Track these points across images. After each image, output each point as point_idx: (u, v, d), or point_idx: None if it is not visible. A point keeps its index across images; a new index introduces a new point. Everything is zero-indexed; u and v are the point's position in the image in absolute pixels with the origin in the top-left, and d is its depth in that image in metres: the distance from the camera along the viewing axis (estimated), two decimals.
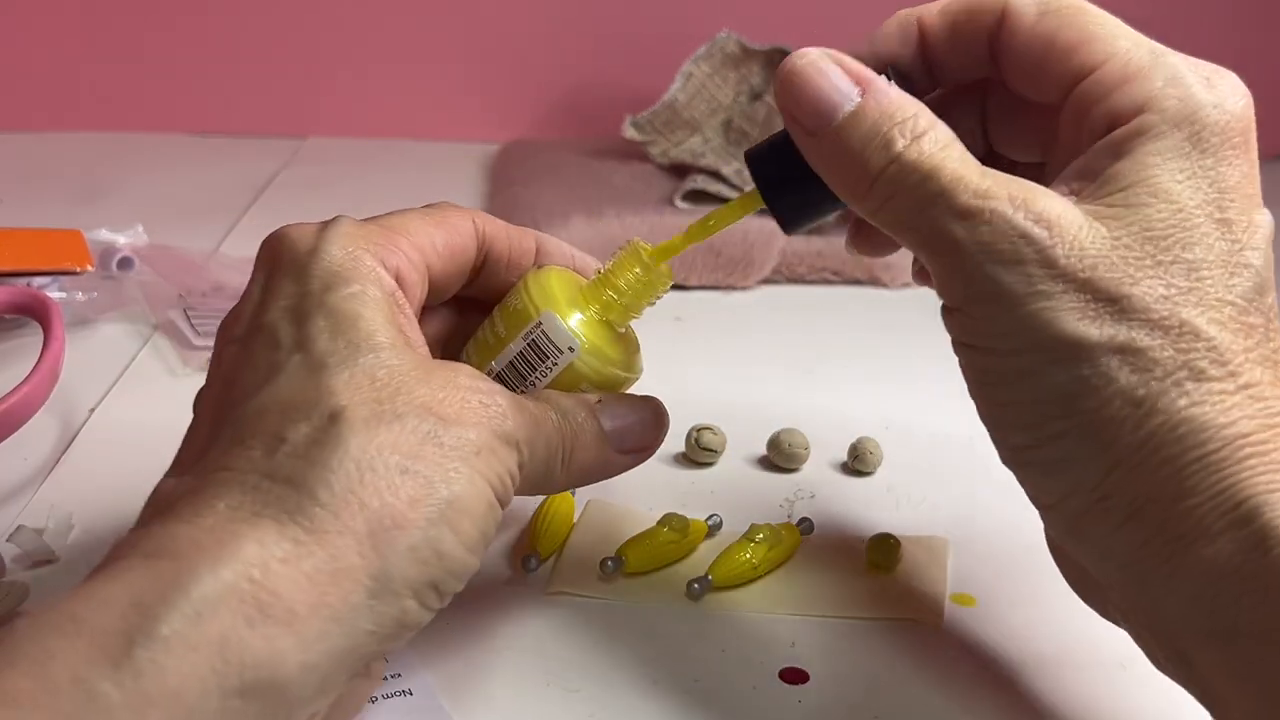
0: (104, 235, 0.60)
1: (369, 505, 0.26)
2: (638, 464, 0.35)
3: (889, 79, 0.31)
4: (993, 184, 0.28)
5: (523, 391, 0.33)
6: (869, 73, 0.30)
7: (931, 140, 0.29)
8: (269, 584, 0.24)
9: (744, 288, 0.68)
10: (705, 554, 0.39)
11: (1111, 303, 0.28)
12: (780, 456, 0.46)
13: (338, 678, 0.26)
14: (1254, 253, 0.29)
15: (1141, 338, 0.27)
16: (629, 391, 0.36)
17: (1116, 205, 0.29)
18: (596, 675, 0.33)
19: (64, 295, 0.56)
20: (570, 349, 0.33)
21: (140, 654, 0.23)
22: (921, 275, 0.38)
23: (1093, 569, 0.29)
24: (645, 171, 0.84)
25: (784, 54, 0.83)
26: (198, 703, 0.23)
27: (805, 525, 0.40)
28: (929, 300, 0.31)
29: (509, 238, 0.35)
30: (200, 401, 0.31)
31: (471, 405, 0.29)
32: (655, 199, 0.76)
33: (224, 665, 0.23)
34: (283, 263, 0.31)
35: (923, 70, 0.33)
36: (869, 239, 0.36)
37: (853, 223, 0.36)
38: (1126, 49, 0.30)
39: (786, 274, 0.69)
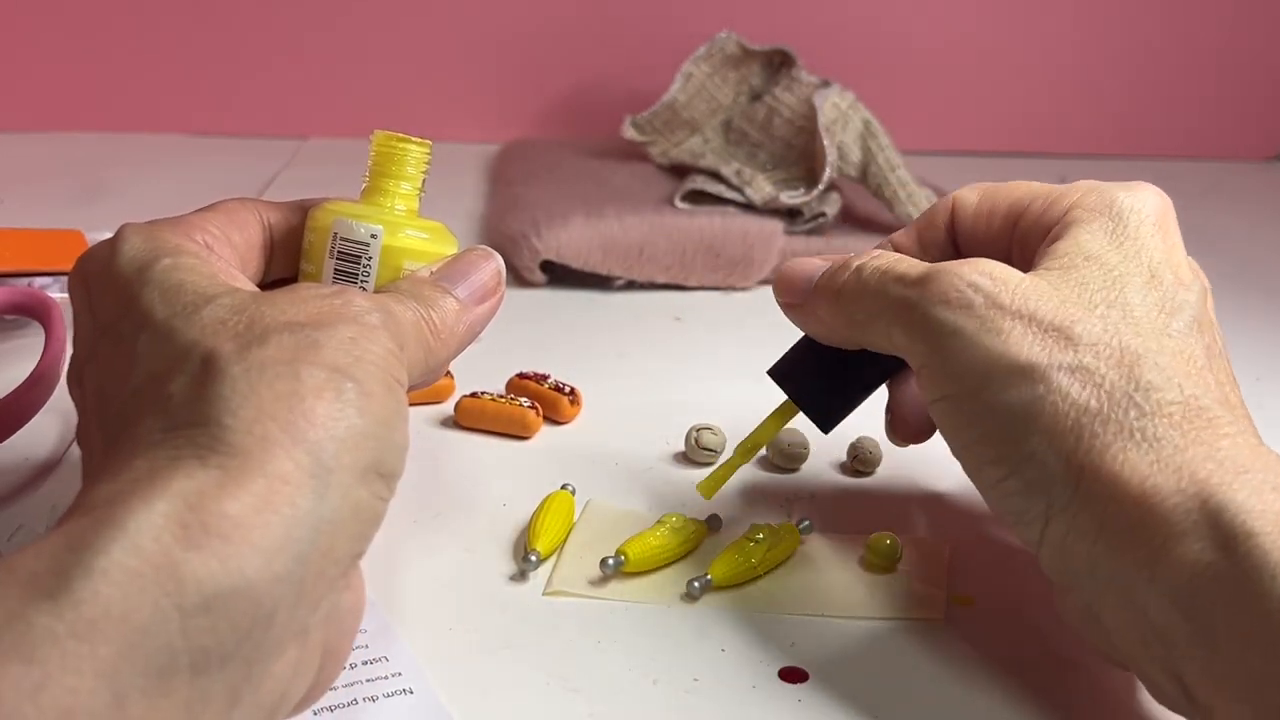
0: (104, 235, 0.60)
1: (278, 415, 0.26)
2: (496, 310, 0.36)
3: None
4: (940, 263, 0.34)
5: None
6: (842, 258, 0.37)
7: (884, 255, 0.35)
8: (208, 506, 0.24)
9: (744, 288, 0.68)
10: (705, 554, 0.39)
11: (1058, 331, 0.31)
12: (780, 456, 0.46)
13: (316, 586, 0.26)
14: (1187, 296, 0.33)
15: (1088, 359, 0.31)
16: None
17: (1054, 269, 0.33)
18: (596, 675, 0.33)
19: (64, 295, 0.56)
20: (373, 236, 0.34)
21: (78, 586, 0.22)
22: (894, 424, 0.41)
23: (1088, 594, 0.30)
24: (645, 171, 0.84)
25: (784, 54, 0.83)
26: (152, 624, 0.22)
27: (805, 525, 0.41)
28: None
29: (285, 212, 0.37)
30: (82, 433, 0.32)
31: (325, 309, 0.29)
32: (655, 199, 0.76)
33: (177, 586, 0.23)
34: (92, 277, 0.32)
35: None
36: (905, 424, 0.40)
37: (889, 414, 0.41)
38: (1050, 187, 0.37)
39: None
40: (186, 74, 1.01)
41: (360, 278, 0.35)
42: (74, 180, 0.86)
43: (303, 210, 0.36)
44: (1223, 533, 0.27)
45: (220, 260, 0.32)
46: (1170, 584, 0.28)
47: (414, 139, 0.36)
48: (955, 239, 0.39)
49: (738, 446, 0.40)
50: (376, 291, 0.34)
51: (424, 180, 0.37)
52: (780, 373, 0.40)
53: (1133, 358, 0.31)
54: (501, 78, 1.03)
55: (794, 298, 0.38)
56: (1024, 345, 0.31)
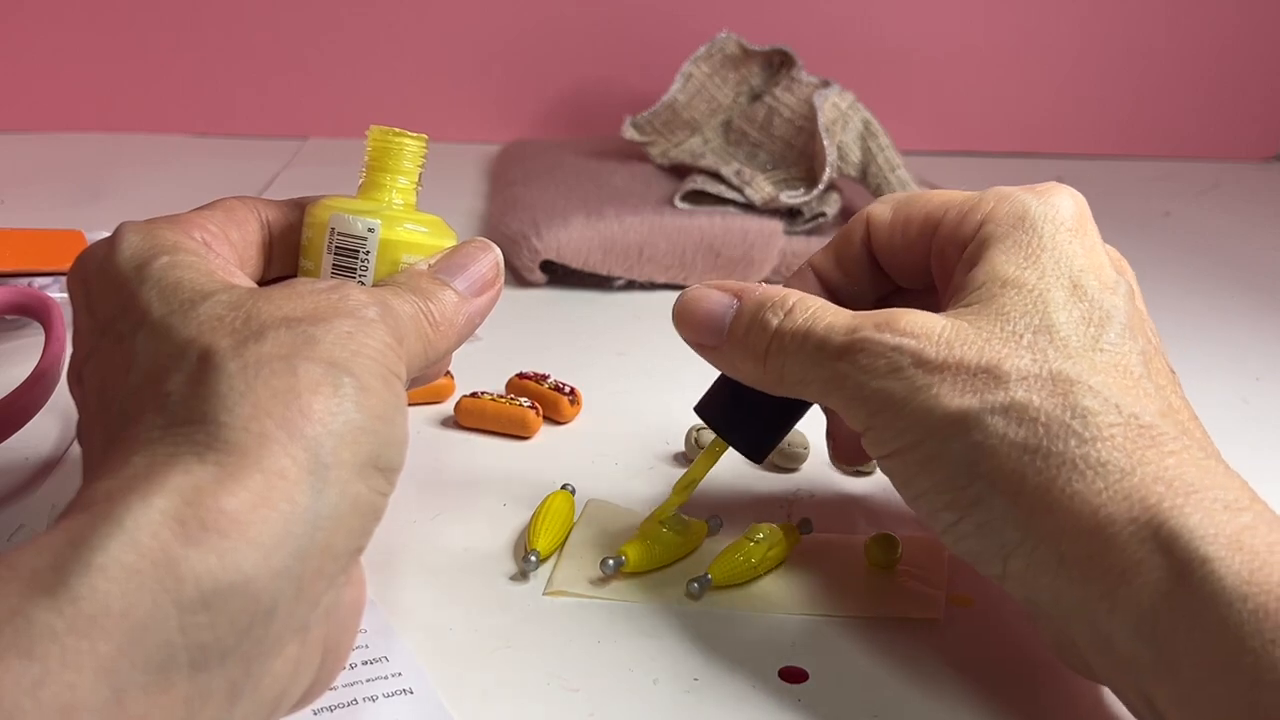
0: (104, 235, 0.60)
1: (274, 412, 0.26)
2: (495, 301, 0.36)
3: None
4: (860, 321, 0.33)
5: None
6: (741, 284, 0.36)
7: (800, 309, 0.34)
8: (206, 502, 0.24)
9: None
10: (705, 554, 0.39)
11: (986, 372, 0.31)
12: (780, 456, 0.46)
13: (315, 582, 0.26)
14: (1115, 301, 0.32)
15: (1020, 395, 0.30)
16: None
17: (974, 303, 0.33)
18: (596, 675, 0.33)
19: (64, 295, 0.56)
20: (370, 230, 0.34)
21: (76, 582, 0.22)
22: (835, 451, 0.41)
23: (1057, 622, 0.30)
24: (645, 171, 0.84)
25: (784, 54, 0.83)
26: (151, 621, 0.22)
27: (805, 525, 0.41)
28: None
29: (284, 210, 0.37)
30: (83, 431, 0.32)
31: (323, 303, 0.29)
32: (655, 199, 0.76)
33: (176, 583, 0.23)
34: (91, 275, 0.32)
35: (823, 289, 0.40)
36: (847, 448, 0.40)
37: (830, 441, 0.41)
38: (962, 196, 0.36)
39: (786, 274, 0.69)
40: (187, 75, 1.01)
41: (358, 272, 0.35)
42: (74, 180, 0.86)
43: (301, 208, 0.36)
44: (1177, 560, 0.27)
45: (218, 258, 0.32)
46: (1131, 614, 0.28)
47: (409, 133, 0.36)
48: (872, 254, 0.38)
49: (675, 484, 0.39)
50: (375, 285, 0.34)
51: (420, 174, 0.37)
52: (706, 411, 0.39)
53: (1066, 384, 0.30)
54: (501, 78, 1.04)
55: (704, 339, 0.36)
56: (954, 395, 0.31)
